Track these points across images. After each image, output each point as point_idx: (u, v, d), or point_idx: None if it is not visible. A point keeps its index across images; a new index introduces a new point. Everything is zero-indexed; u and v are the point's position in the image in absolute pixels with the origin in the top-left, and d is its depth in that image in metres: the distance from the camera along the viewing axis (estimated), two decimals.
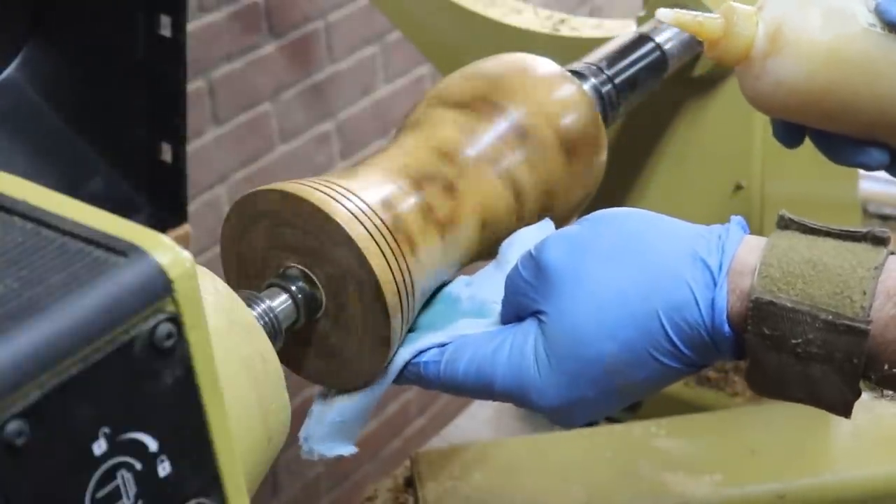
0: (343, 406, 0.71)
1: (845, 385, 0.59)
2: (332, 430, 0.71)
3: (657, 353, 0.62)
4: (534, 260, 0.65)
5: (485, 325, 0.69)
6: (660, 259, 0.62)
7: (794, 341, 0.59)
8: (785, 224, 0.62)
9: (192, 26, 1.64)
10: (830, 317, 0.58)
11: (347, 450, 0.71)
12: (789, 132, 0.72)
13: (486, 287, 0.72)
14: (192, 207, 1.71)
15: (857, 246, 0.60)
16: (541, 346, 0.64)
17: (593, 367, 0.63)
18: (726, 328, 0.61)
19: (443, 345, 0.69)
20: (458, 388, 0.67)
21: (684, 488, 1.06)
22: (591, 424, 1.32)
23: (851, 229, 0.61)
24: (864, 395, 0.61)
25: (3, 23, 1.17)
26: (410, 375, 0.70)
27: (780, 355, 0.59)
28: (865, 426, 1.13)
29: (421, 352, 0.69)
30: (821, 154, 0.73)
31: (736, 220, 0.64)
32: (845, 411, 0.61)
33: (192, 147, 1.69)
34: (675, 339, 0.61)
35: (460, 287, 0.73)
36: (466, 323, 0.70)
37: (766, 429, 1.15)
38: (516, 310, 0.67)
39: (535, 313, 0.65)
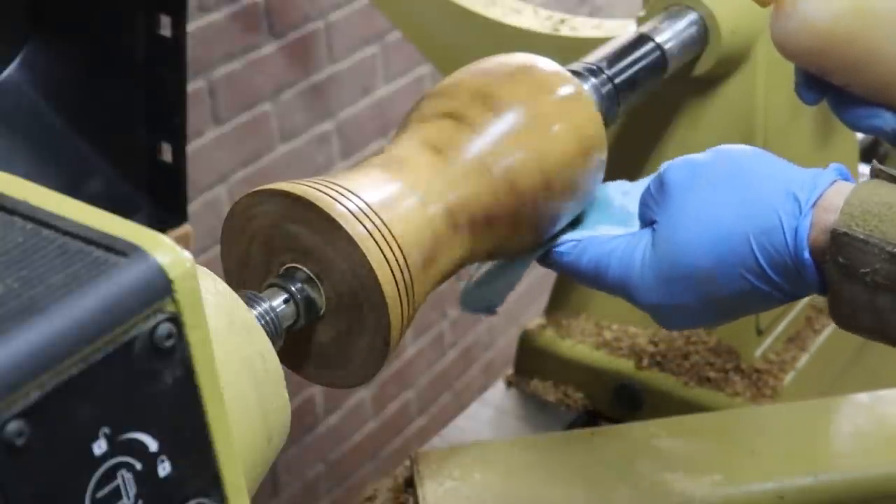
0: (491, 270, 0.82)
1: None
2: (479, 288, 0.83)
3: (746, 273, 0.69)
4: (660, 177, 0.73)
5: (619, 233, 0.78)
6: (758, 189, 0.69)
7: (863, 270, 0.65)
8: (875, 174, 0.68)
9: (192, 26, 1.64)
10: (895, 249, 0.64)
11: (489, 309, 0.83)
12: (810, 86, 0.77)
13: (637, 199, 0.80)
14: (192, 207, 1.71)
15: None
16: (648, 250, 0.73)
17: (687, 276, 0.71)
18: (806, 254, 0.67)
19: (579, 241, 0.79)
20: (581, 277, 0.78)
21: (684, 488, 1.06)
22: (591, 424, 1.32)
23: None
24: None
25: (3, 23, 1.17)
26: (548, 259, 0.80)
27: (853, 285, 0.66)
28: (865, 426, 1.12)
29: (561, 243, 0.79)
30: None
31: (834, 166, 0.71)
32: None
33: (192, 147, 1.69)
34: (762, 260, 0.68)
35: (617, 192, 0.82)
36: (604, 229, 0.79)
37: (766, 429, 1.15)
38: (643, 220, 0.76)
39: (652, 223, 0.74)
